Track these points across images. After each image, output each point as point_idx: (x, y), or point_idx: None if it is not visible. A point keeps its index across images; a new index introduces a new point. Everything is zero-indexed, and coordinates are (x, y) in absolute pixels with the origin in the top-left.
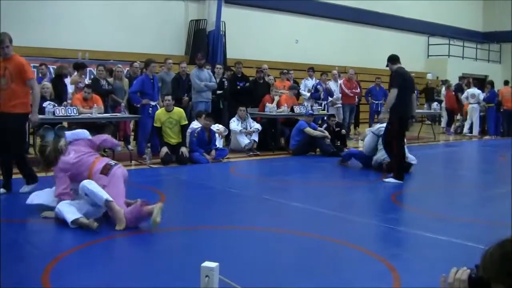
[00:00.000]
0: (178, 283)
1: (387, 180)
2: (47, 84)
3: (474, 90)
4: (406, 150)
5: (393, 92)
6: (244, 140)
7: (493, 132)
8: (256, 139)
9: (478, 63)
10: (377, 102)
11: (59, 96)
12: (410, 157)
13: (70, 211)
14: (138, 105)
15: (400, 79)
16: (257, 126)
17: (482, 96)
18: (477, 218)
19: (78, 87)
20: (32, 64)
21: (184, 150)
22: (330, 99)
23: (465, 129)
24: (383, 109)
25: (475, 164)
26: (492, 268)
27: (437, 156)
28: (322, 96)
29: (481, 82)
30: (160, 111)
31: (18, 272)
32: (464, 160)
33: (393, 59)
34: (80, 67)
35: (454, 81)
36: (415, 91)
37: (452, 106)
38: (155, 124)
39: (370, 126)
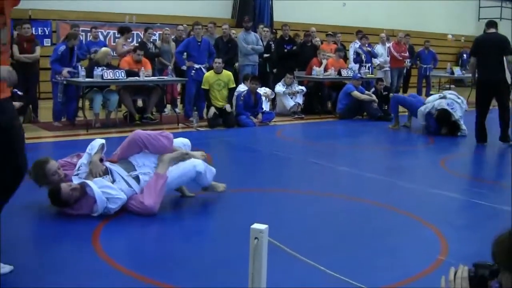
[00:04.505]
0: (227, 244)
1: None
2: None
3: None
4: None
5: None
6: (290, 103)
7: None
8: (301, 101)
9: None
10: (425, 66)
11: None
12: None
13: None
14: (183, 67)
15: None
16: (301, 87)
17: None
18: None
19: (123, 49)
20: (81, 28)
21: (228, 106)
22: (376, 61)
23: None
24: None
25: None
26: (501, 256)
27: (491, 121)
28: (364, 59)
29: None
30: (209, 73)
31: (70, 230)
32: None
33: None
34: (125, 30)
35: None
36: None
37: None
38: (203, 86)
39: (417, 91)
